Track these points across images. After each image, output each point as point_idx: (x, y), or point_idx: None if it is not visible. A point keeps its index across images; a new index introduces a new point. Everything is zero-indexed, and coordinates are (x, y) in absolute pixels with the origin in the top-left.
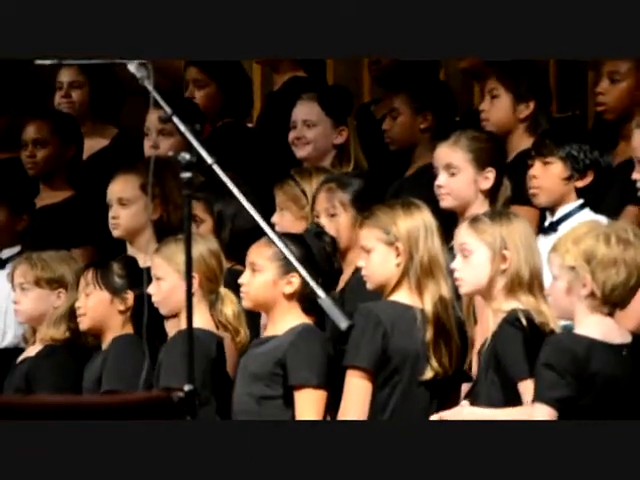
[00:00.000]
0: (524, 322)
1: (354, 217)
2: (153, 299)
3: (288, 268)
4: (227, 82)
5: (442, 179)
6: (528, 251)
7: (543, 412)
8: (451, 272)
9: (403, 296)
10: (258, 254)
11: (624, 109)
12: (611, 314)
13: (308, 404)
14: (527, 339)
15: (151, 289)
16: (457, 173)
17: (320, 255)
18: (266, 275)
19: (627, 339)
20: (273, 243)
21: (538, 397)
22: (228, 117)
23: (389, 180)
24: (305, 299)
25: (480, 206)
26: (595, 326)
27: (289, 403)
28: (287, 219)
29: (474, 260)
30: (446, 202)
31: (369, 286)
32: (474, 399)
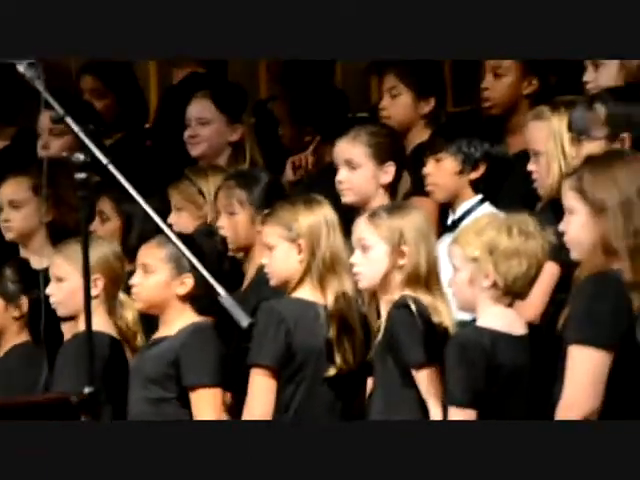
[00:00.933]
0: (413, 307)
1: (252, 215)
2: (52, 299)
3: (181, 269)
4: (123, 92)
5: (342, 175)
6: (426, 245)
7: (462, 415)
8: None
9: (306, 292)
10: (150, 255)
11: (509, 103)
12: (511, 305)
13: (204, 404)
14: (417, 323)
15: (50, 290)
16: (357, 168)
17: (211, 255)
18: (159, 276)
19: (526, 330)
20: (173, 244)
21: (453, 400)
22: (124, 128)
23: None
24: (197, 300)
25: (381, 200)
26: (497, 318)
27: (185, 404)
28: (185, 219)
29: (372, 255)
30: (347, 197)
31: (272, 282)
32: (374, 389)
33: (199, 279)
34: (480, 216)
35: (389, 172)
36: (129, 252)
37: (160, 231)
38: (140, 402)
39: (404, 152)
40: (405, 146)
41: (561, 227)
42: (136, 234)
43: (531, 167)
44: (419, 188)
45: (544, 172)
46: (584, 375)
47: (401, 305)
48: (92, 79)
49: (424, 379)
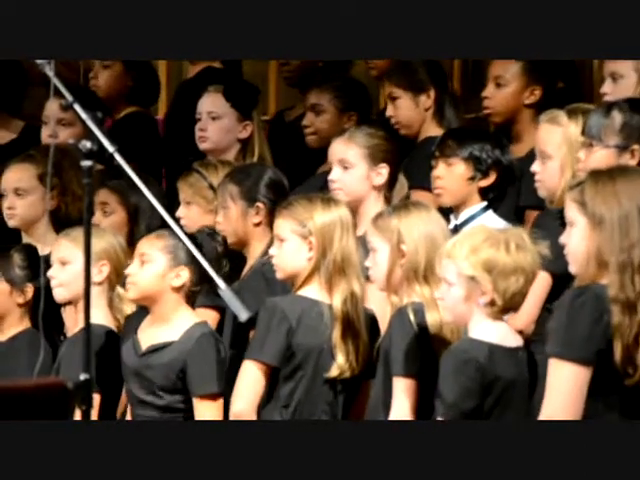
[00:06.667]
0: (412, 317)
1: (243, 210)
2: (53, 283)
3: (178, 261)
4: (133, 62)
5: (335, 174)
6: (427, 241)
7: None
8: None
9: (313, 291)
10: (149, 245)
11: (509, 113)
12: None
13: (211, 412)
14: (413, 335)
15: (52, 273)
16: (350, 168)
17: (210, 254)
18: (155, 266)
19: (520, 342)
20: (176, 235)
21: (444, 414)
22: (134, 104)
23: (294, 176)
24: (191, 295)
25: (374, 202)
26: (492, 331)
27: (190, 410)
28: (194, 213)
29: (378, 257)
30: (339, 197)
31: (278, 275)
32: (373, 394)
33: (196, 273)
34: (473, 229)
35: (382, 174)
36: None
37: (166, 223)
38: (149, 406)
39: (399, 155)
40: (417, 140)
41: (563, 239)
42: (144, 225)
43: (535, 168)
44: (420, 182)
45: (551, 176)
46: (561, 389)
47: (400, 313)
48: None
49: (399, 390)
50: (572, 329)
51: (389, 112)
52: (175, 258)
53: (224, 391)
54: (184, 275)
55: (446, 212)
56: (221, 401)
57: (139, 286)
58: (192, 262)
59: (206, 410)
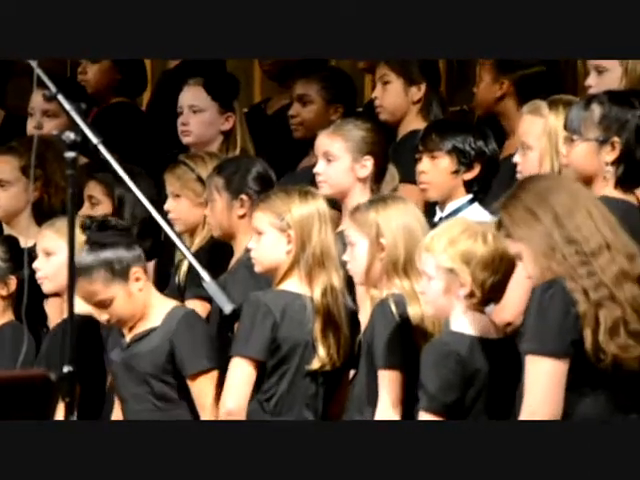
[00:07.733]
0: (393, 309)
1: (228, 202)
2: (39, 274)
3: (123, 273)
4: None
5: (320, 167)
6: (406, 234)
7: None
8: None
9: (293, 284)
10: (91, 293)
11: (488, 106)
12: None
13: (207, 388)
14: (396, 327)
15: (38, 264)
16: (334, 161)
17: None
18: (120, 300)
19: (500, 334)
20: (164, 229)
21: (426, 407)
22: (121, 96)
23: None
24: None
25: (360, 194)
26: (473, 323)
27: (185, 392)
28: (184, 206)
29: (357, 251)
30: (323, 190)
31: (257, 269)
32: (353, 387)
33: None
34: (451, 222)
35: (366, 166)
36: None
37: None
38: (142, 397)
39: (384, 147)
40: (398, 134)
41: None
42: (129, 216)
43: (517, 159)
44: (407, 176)
45: (531, 166)
46: (539, 384)
47: (382, 306)
48: None
49: (384, 382)
50: (543, 324)
51: (376, 94)
52: (118, 274)
53: (217, 365)
54: (141, 276)
55: (432, 205)
56: (215, 375)
57: (118, 315)
58: (138, 255)
59: (201, 388)
